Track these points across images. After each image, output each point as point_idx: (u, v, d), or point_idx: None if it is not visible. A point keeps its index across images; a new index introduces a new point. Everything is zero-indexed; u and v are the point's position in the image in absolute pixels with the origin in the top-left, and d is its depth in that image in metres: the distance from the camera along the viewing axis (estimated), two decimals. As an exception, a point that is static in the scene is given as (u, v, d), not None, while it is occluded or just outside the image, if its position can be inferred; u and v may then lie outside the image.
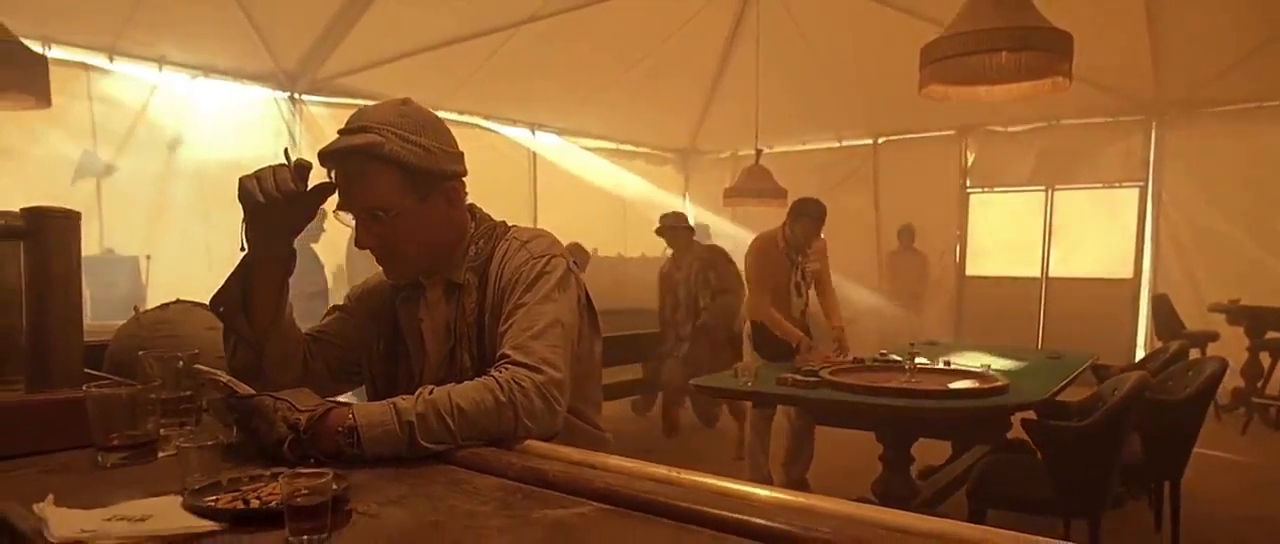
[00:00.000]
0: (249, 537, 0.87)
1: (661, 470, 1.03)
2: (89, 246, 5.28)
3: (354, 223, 1.39)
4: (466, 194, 1.49)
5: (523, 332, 1.29)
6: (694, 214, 10.37)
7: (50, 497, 0.89)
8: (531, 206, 8.65)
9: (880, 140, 9.38)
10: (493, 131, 8.34)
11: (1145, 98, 7.64)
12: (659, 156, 10.39)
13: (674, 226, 5.58)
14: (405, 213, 1.36)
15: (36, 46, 4.98)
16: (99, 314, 4.39)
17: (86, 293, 4.72)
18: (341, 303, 1.59)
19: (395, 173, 1.34)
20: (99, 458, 1.17)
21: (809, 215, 4.46)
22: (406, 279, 1.49)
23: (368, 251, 1.42)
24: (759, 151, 7.03)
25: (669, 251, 5.53)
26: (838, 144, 9.59)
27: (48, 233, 1.38)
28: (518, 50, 6.96)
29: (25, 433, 1.25)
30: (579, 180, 8.97)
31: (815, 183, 8.90)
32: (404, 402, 1.19)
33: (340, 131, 1.38)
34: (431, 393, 1.20)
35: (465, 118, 7.95)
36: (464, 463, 1.14)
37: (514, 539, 0.86)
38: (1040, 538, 0.78)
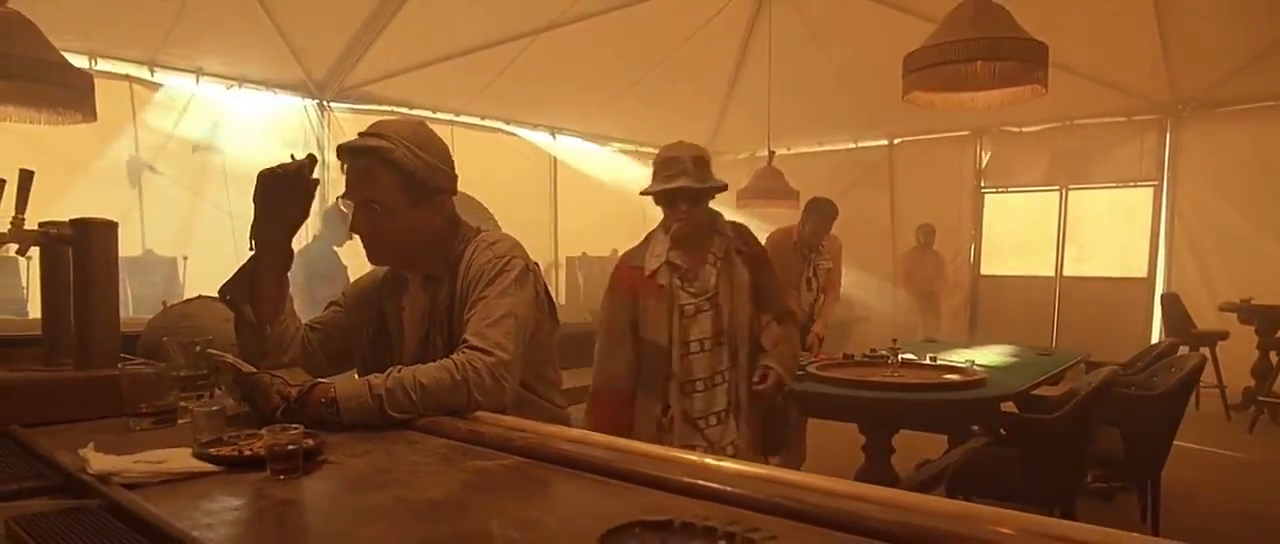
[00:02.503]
0: (240, 476, 1.12)
1: (576, 433, 1.26)
2: (131, 248, 5.61)
3: (352, 209, 1.66)
4: (455, 210, 1.75)
5: (481, 320, 1.53)
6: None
7: (91, 444, 1.15)
8: (552, 208, 8.89)
9: (895, 141, 9.49)
10: (514, 135, 8.60)
11: (1159, 97, 7.68)
12: (678, 158, 10.58)
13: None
14: (396, 211, 1.63)
15: (84, 60, 5.36)
16: (139, 309, 4.72)
17: (128, 290, 5.08)
18: (338, 298, 1.85)
19: (396, 176, 1.61)
20: (131, 423, 1.44)
21: (819, 213, 4.66)
22: (385, 265, 1.77)
23: None
24: (771, 153, 7.23)
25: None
26: (853, 145, 9.72)
27: (91, 240, 1.65)
28: (538, 57, 7.18)
29: (73, 403, 1.53)
30: (599, 182, 9.19)
31: (830, 183, 9.03)
32: (376, 378, 1.44)
33: (361, 134, 1.66)
34: (399, 372, 1.45)
35: (488, 122, 8.20)
36: (422, 428, 1.39)
37: (442, 479, 1.10)
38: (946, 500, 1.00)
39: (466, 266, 1.65)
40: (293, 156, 1.54)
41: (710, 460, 1.09)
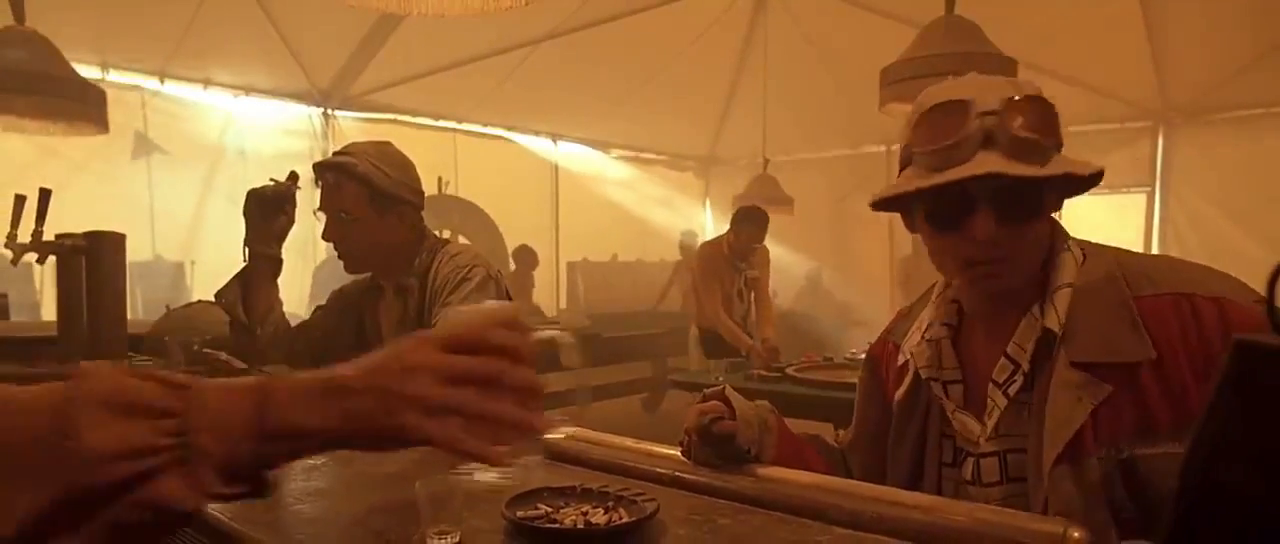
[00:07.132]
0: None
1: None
2: (141, 253, 5.77)
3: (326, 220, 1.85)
4: (423, 223, 1.92)
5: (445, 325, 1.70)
6: (714, 220, 10.72)
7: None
8: (553, 214, 9.04)
9: (894, 147, 9.56)
10: (516, 142, 8.76)
11: (1150, 105, 7.80)
12: (679, 164, 10.74)
13: None
14: (363, 220, 1.82)
15: (96, 71, 5.56)
16: (148, 312, 4.90)
17: (138, 294, 5.27)
18: (323, 304, 2.03)
19: (361, 188, 1.80)
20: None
21: (752, 221, 4.73)
22: (356, 271, 1.95)
23: None
24: (766, 161, 7.39)
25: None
26: (852, 151, 9.84)
27: (102, 250, 1.84)
28: (539, 65, 7.31)
29: (83, 396, 1.70)
30: (600, 188, 9.34)
31: (829, 189, 9.18)
32: None
33: (333, 154, 1.87)
34: None
35: (490, 129, 8.36)
36: (392, 418, 1.56)
37: (400, 458, 1.26)
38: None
39: (433, 276, 1.82)
40: (272, 180, 1.73)
41: (629, 442, 1.26)
